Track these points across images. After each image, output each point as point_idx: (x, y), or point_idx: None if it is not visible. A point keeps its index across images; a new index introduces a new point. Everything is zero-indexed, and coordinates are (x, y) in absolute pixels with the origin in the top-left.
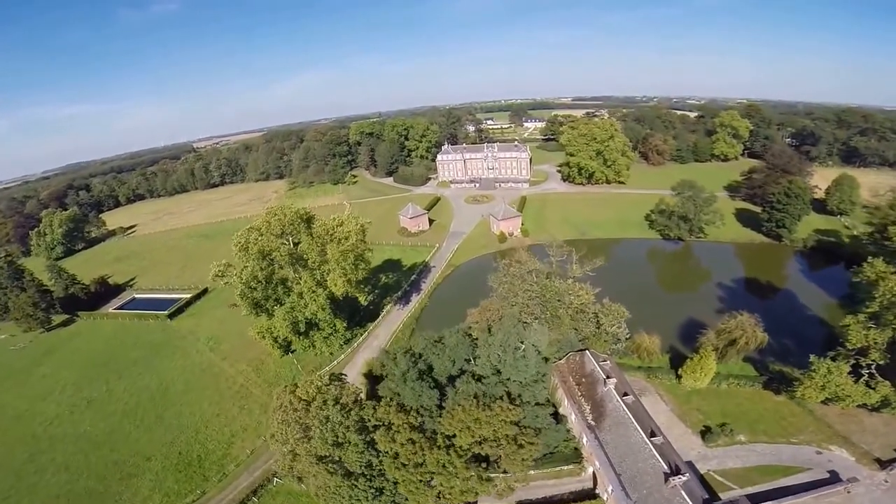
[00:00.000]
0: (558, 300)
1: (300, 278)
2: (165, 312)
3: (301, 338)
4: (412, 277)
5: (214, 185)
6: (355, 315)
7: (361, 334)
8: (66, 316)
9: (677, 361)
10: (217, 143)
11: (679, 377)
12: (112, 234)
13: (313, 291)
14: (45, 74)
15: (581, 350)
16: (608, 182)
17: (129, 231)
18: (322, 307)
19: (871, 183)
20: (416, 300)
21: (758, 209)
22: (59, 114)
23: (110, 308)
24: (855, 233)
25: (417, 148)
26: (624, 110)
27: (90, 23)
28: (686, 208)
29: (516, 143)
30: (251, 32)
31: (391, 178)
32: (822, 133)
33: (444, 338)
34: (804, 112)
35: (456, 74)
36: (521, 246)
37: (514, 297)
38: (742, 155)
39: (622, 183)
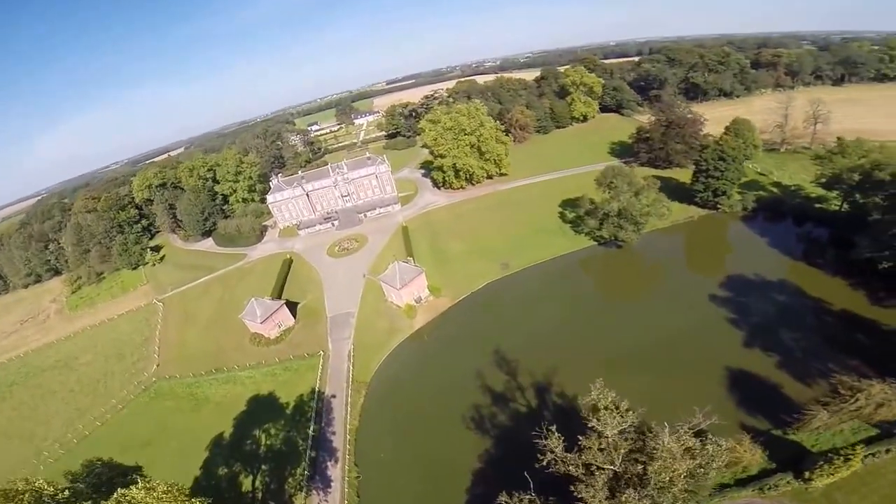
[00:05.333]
0: None
1: None
2: None
3: None
4: (309, 430)
5: None
6: None
7: None
8: None
9: (778, 450)
10: None
11: (806, 480)
12: None
13: None
14: None
15: None
16: (490, 178)
17: None
18: None
19: (719, 116)
20: (335, 473)
21: (667, 174)
22: None
23: None
24: (776, 180)
25: (235, 191)
26: (447, 86)
27: None
28: (626, 203)
29: (368, 155)
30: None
31: (211, 240)
32: (665, 75)
33: None
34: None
35: (257, 84)
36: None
37: None
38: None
39: (505, 175)
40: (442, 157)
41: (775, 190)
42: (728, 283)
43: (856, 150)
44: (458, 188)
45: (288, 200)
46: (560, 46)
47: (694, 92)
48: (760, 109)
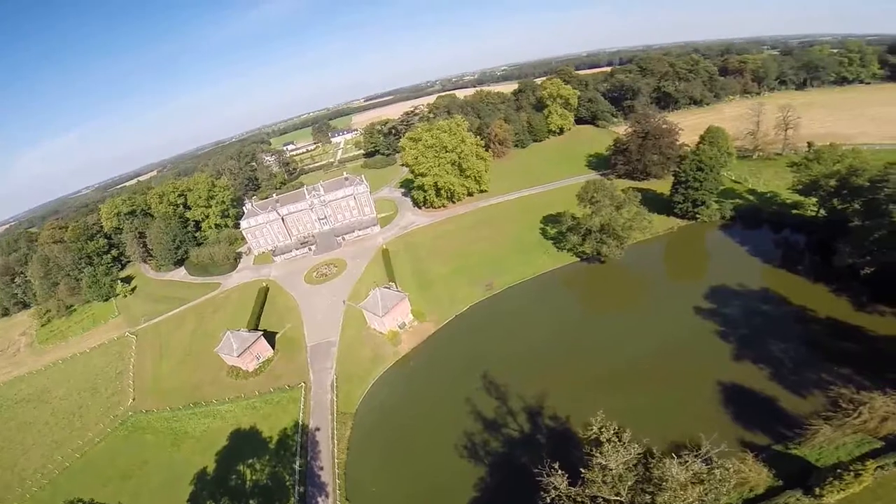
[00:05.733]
0: None
1: None
2: None
3: None
4: (296, 465)
5: None
6: None
7: None
8: None
9: (782, 466)
10: None
11: (817, 496)
12: None
13: None
14: None
15: None
16: (470, 194)
17: None
18: None
19: (691, 124)
20: None
21: (645, 185)
22: None
23: None
24: (751, 187)
25: (207, 217)
26: (427, 102)
27: None
28: (608, 217)
29: (345, 175)
30: None
31: (183, 270)
32: (639, 85)
33: None
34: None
35: (232, 104)
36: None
37: None
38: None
39: (485, 191)
40: (423, 175)
41: (751, 198)
42: (712, 294)
43: (831, 156)
44: (439, 207)
45: (262, 226)
46: (535, 58)
47: (666, 101)
48: (731, 116)
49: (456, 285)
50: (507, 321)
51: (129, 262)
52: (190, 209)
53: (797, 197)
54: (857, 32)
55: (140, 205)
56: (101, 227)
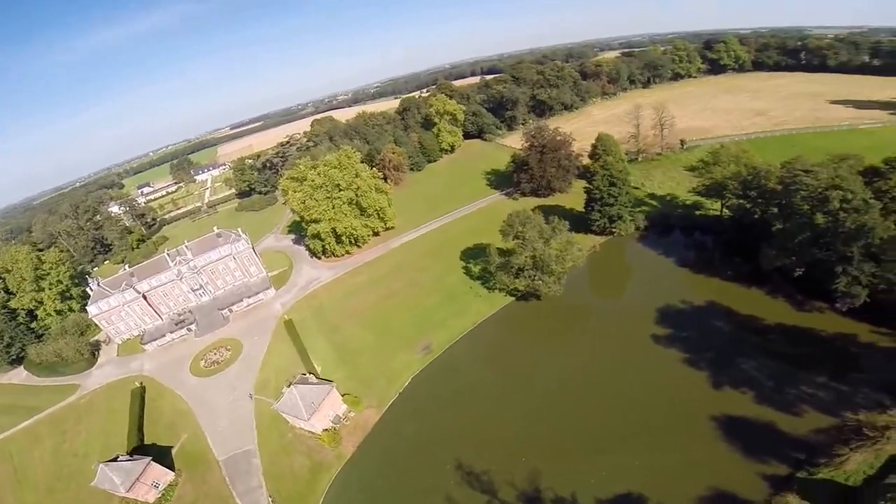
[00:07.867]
0: None
1: None
2: None
3: None
4: None
5: None
6: None
7: None
8: None
9: (817, 495)
10: None
11: None
12: None
13: None
14: None
15: None
16: (376, 234)
17: None
18: None
19: (570, 129)
20: None
21: (551, 202)
22: None
23: None
24: (649, 191)
25: (42, 303)
26: (303, 129)
27: None
28: (540, 252)
29: (217, 230)
30: None
31: (24, 370)
32: (516, 95)
33: None
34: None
35: (72, 140)
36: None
37: None
38: None
39: (392, 228)
40: (316, 222)
41: (654, 202)
42: (662, 318)
43: (726, 157)
44: (342, 255)
45: (117, 308)
46: (406, 73)
47: (541, 108)
48: (602, 119)
49: (387, 355)
50: (461, 391)
51: None
52: (14, 295)
53: (696, 197)
54: (660, 32)
55: None
56: None
